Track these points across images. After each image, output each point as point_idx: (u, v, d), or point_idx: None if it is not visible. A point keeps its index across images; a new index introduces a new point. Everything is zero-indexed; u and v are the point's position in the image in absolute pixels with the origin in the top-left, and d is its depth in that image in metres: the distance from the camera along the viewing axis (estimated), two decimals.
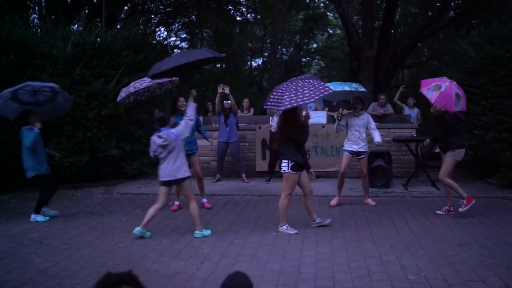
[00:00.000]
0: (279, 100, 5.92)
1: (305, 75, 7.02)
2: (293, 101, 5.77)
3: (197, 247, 5.71)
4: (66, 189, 9.40)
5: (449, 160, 6.94)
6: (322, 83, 6.21)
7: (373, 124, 7.90)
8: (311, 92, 5.84)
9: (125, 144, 10.06)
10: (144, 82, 7.11)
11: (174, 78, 7.23)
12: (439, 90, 6.43)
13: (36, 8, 18.52)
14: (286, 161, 6.18)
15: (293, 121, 6.18)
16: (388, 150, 9.86)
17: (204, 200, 7.89)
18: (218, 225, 6.72)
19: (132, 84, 7.26)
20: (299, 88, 5.93)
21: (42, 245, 5.87)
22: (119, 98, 7.31)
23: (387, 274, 4.76)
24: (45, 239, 6.14)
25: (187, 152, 7.34)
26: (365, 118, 7.86)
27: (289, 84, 6.17)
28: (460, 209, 6.80)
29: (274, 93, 6.11)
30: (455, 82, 6.71)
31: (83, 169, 9.60)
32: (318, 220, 6.55)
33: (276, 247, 5.68)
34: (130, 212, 7.62)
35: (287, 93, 5.91)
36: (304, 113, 6.37)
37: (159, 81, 7.09)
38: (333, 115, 11.02)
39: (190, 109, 6.18)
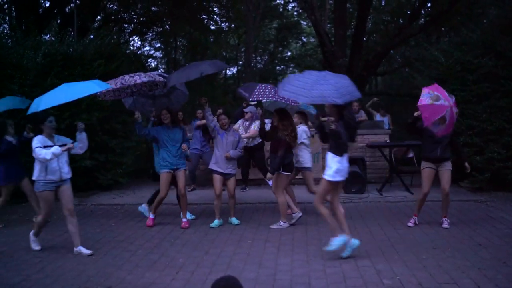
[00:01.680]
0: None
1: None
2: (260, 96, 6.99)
3: (172, 257, 5.65)
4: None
5: (450, 171, 6.68)
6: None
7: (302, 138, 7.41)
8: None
9: (99, 155, 9.93)
10: (135, 78, 6.73)
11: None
12: (435, 101, 6.01)
13: (6, 18, 18.22)
14: None
15: None
16: (362, 156, 9.96)
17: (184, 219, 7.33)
18: (193, 235, 6.67)
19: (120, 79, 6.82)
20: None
21: (12, 259, 5.73)
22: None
23: (362, 279, 4.79)
24: (16, 252, 6.00)
25: (173, 167, 7.14)
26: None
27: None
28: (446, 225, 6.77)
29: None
30: (455, 109, 6.21)
31: None
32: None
33: (252, 255, 5.67)
34: (104, 223, 7.51)
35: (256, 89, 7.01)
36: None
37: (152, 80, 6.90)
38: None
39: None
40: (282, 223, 7.00)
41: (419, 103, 6.08)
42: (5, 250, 6.13)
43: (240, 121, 9.51)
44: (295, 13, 28.39)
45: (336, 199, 5.64)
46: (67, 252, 5.97)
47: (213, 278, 4.85)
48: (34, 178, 5.75)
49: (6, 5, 17.82)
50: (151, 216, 7.33)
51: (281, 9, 28.11)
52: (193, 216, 7.67)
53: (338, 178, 5.48)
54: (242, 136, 8.32)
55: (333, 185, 5.52)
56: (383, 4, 22.72)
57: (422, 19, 18.21)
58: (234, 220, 7.33)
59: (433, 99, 6.04)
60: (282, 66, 32.81)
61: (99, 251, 6.00)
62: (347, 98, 5.27)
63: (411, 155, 10.02)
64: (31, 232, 6.14)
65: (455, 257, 5.38)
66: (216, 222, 7.18)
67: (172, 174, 7.16)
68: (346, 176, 5.59)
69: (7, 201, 7.47)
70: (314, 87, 5.26)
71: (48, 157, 5.51)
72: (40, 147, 5.57)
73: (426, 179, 6.72)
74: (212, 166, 7.24)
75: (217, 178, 7.17)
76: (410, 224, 6.85)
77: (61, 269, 5.34)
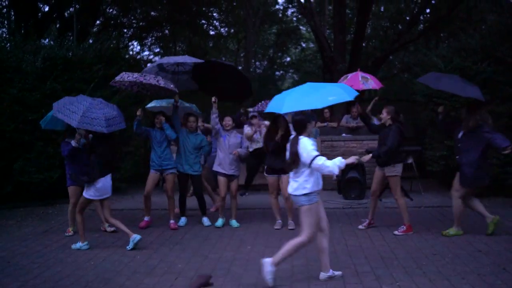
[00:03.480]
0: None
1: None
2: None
3: (171, 263, 5.63)
4: (36, 206, 9.20)
5: (392, 178, 6.79)
6: None
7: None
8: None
9: None
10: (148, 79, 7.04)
11: (172, 86, 7.28)
12: (346, 78, 7.18)
13: (6, 22, 18.25)
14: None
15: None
16: (362, 162, 9.93)
17: (172, 221, 7.54)
18: (193, 240, 6.65)
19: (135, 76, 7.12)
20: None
21: (10, 265, 5.70)
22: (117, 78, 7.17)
23: (362, 285, 4.78)
24: (14, 258, 5.97)
25: (158, 168, 7.51)
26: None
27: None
28: (397, 232, 6.75)
29: None
30: (362, 72, 7.24)
31: (55, 185, 9.41)
32: (288, 223, 7.25)
33: (251, 261, 5.64)
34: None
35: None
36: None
37: (160, 84, 7.07)
38: None
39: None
40: (293, 222, 7.18)
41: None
42: (3, 255, 6.10)
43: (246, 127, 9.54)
44: (295, 18, 28.48)
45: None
46: (65, 257, 5.94)
47: (213, 284, 4.85)
48: (309, 191, 4.69)
49: (5, 9, 17.85)
50: (146, 218, 7.66)
51: (280, 15, 28.18)
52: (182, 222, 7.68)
53: (93, 197, 6.27)
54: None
55: (89, 201, 6.34)
56: (382, 10, 22.80)
57: (421, 25, 18.28)
58: (234, 223, 7.43)
59: (344, 79, 7.35)
60: (281, 71, 32.90)
61: (98, 256, 5.97)
62: (113, 128, 6.05)
63: (410, 161, 9.99)
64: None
65: (454, 263, 5.37)
66: (220, 221, 7.48)
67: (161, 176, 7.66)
68: (106, 195, 6.42)
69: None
70: (86, 113, 5.91)
71: (336, 171, 4.59)
72: (319, 155, 4.63)
73: (373, 179, 7.08)
74: (216, 167, 7.49)
75: (221, 181, 7.42)
76: (362, 226, 6.99)
77: (59, 274, 5.32)
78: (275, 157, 6.97)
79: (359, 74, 7.07)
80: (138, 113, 7.39)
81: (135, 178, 11.49)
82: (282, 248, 4.77)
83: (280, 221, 7.29)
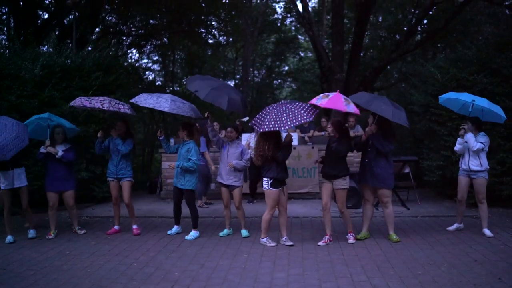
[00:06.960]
0: (261, 122, 6.41)
1: (292, 101, 6.94)
2: (271, 126, 6.23)
3: (167, 271, 5.62)
4: (33, 213, 9.14)
5: (341, 190, 6.79)
6: (303, 109, 6.49)
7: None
8: (288, 120, 6.24)
9: (95, 167, 9.92)
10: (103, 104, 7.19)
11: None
12: (328, 97, 6.55)
13: (5, 29, 18.28)
14: (266, 179, 6.59)
15: (276, 141, 6.58)
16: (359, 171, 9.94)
17: (135, 226, 7.75)
18: (189, 248, 6.65)
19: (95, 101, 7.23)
20: (279, 114, 6.33)
21: (6, 272, 5.68)
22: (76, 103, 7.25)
23: None
24: (10, 265, 5.96)
25: (115, 176, 7.62)
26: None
27: (275, 107, 6.56)
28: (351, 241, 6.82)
29: (261, 114, 6.62)
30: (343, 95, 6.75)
31: None
32: (284, 239, 6.82)
33: (248, 269, 5.64)
34: (99, 236, 7.48)
35: (267, 117, 6.35)
36: (285, 134, 6.77)
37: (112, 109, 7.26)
38: (303, 137, 11.16)
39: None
40: (286, 239, 6.87)
41: (322, 106, 6.47)
42: None
43: (252, 135, 9.57)
44: (293, 28, 28.59)
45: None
46: (62, 265, 5.93)
47: None
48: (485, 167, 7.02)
49: (5, 16, 17.89)
50: (116, 227, 7.78)
51: (279, 24, 28.31)
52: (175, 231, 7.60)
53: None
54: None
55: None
56: (380, 20, 22.92)
57: (419, 36, 18.39)
58: (244, 232, 7.34)
59: (324, 97, 6.58)
60: (279, 80, 32.94)
61: (94, 264, 5.96)
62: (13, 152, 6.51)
63: (407, 170, 10.04)
64: None
65: (450, 273, 5.37)
66: (225, 231, 7.46)
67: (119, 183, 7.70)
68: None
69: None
70: None
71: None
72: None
73: (322, 193, 6.90)
74: (217, 178, 7.53)
75: (222, 190, 7.46)
76: (350, 240, 6.82)
77: (55, 282, 5.30)
78: (280, 168, 6.61)
79: (341, 96, 6.57)
80: (99, 135, 7.59)
81: (132, 186, 11.46)
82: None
83: (267, 238, 6.82)
